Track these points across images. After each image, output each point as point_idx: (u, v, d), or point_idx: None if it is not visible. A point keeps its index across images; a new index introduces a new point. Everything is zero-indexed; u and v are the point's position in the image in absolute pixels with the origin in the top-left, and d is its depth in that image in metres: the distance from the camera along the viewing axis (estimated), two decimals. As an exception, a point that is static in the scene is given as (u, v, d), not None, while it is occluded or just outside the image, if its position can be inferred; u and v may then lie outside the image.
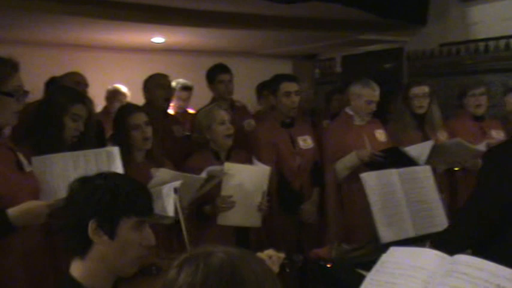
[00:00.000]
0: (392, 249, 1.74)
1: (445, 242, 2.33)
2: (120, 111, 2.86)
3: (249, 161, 3.10)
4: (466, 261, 1.53)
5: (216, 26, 4.77)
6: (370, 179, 2.60)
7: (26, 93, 2.05)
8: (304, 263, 1.98)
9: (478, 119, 3.76)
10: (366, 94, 3.41)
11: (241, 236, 3.03)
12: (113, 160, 2.28)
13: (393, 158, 3.09)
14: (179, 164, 3.03)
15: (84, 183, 1.52)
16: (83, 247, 1.45)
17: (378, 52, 5.87)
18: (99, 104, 4.84)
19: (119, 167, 2.26)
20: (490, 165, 2.11)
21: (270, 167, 3.01)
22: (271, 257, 1.79)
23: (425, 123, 3.62)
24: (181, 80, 4.76)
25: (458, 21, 4.96)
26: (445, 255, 1.59)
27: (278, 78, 3.49)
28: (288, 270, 1.83)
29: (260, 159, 3.21)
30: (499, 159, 2.10)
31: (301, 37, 5.53)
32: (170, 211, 2.34)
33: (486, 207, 2.06)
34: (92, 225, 1.43)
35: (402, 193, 2.67)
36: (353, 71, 6.18)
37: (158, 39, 5.19)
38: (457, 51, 5.00)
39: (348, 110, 3.52)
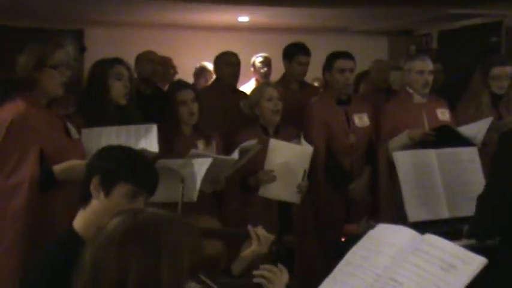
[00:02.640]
0: (379, 226, 1.77)
1: (471, 231, 2.27)
2: (170, 87, 3.09)
3: (298, 137, 3.19)
4: (430, 241, 1.54)
5: (302, 5, 4.83)
6: (402, 158, 2.57)
7: (69, 67, 2.34)
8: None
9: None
10: (415, 66, 3.32)
11: (284, 212, 3.15)
12: (150, 136, 2.49)
13: (446, 137, 2.99)
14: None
15: (104, 148, 1.79)
16: (85, 199, 1.68)
17: (475, 27, 5.50)
18: (188, 81, 5.19)
19: (154, 143, 2.47)
20: (506, 147, 2.01)
21: (312, 148, 3.06)
22: (259, 236, 1.87)
23: (501, 103, 3.41)
24: (262, 54, 4.89)
25: None
26: (417, 234, 1.60)
27: (333, 55, 3.49)
28: (274, 249, 1.91)
29: (311, 136, 3.28)
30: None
31: (396, 12, 5.38)
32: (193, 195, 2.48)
33: (501, 190, 1.98)
34: (94, 180, 1.65)
35: (439, 174, 2.61)
36: (450, 47, 5.88)
37: (243, 18, 5.38)
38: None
39: (408, 88, 3.42)
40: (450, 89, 4.42)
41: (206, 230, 1.95)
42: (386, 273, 1.52)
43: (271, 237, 1.90)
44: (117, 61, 2.71)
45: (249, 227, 1.89)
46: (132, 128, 2.51)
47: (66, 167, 2.19)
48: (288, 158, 3.01)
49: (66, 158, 2.24)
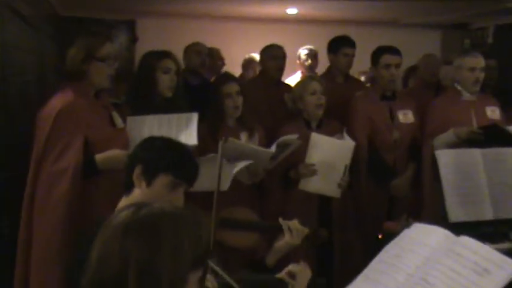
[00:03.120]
0: (415, 225, 1.76)
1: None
2: (216, 79, 3.14)
3: (341, 132, 3.18)
4: (464, 243, 1.53)
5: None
6: (445, 157, 2.52)
7: (117, 60, 2.43)
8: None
9: None
10: (466, 62, 3.24)
11: (324, 206, 3.16)
12: (190, 127, 2.56)
13: (494, 136, 2.91)
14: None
15: (148, 139, 1.86)
16: (128, 187, 1.76)
17: (534, 21, 5.28)
18: (237, 72, 5.25)
19: (193, 135, 2.54)
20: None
21: (355, 142, 3.05)
22: (292, 230, 1.89)
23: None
24: (307, 47, 4.88)
25: None
26: (452, 236, 1.59)
27: (379, 50, 3.45)
28: (310, 242, 1.93)
29: (353, 131, 3.27)
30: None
31: (450, 5, 5.23)
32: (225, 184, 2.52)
33: None
34: (137, 170, 1.73)
35: (484, 174, 2.54)
36: (506, 42, 5.65)
37: (292, 10, 5.37)
38: None
39: (456, 85, 3.34)
40: (505, 86, 4.28)
41: (238, 221, 1.99)
42: (418, 273, 1.52)
43: (305, 230, 1.91)
44: (165, 54, 2.79)
45: (281, 220, 1.91)
46: (174, 116, 2.59)
47: (108, 156, 2.29)
48: (329, 153, 3.01)
49: (109, 147, 2.33)
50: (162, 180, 1.72)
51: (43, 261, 2.26)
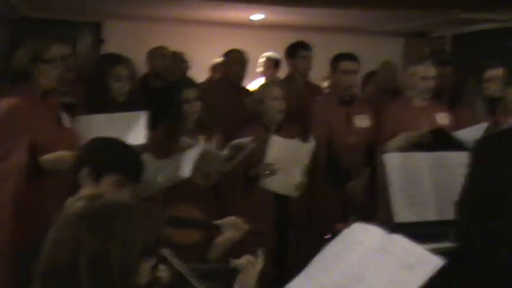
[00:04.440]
0: (354, 225, 1.86)
1: (455, 235, 2.33)
2: (175, 84, 3.21)
3: (300, 136, 3.28)
4: (395, 241, 1.62)
5: (316, 5, 4.90)
6: (392, 160, 2.64)
7: (63, 60, 2.47)
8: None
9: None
10: (418, 71, 3.37)
11: (282, 208, 3.25)
12: (139, 126, 2.61)
13: (442, 140, 3.04)
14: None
15: (93, 139, 1.93)
16: (75, 187, 1.81)
17: (489, 31, 5.49)
18: (202, 76, 5.32)
19: (142, 130, 2.59)
20: (480, 153, 2.07)
21: (313, 143, 3.14)
22: (235, 224, 1.97)
23: (498, 109, 3.44)
24: (267, 53, 5.00)
25: None
26: (385, 234, 1.68)
27: (338, 57, 3.56)
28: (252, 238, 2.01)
29: (312, 132, 3.37)
30: (489, 149, 2.05)
31: (411, 14, 5.40)
32: (185, 172, 2.57)
33: (473, 197, 2.05)
34: (84, 170, 1.79)
35: (429, 177, 2.66)
36: (463, 50, 5.88)
37: (258, 16, 5.47)
38: None
39: (409, 92, 3.48)
40: (461, 92, 4.44)
41: (181, 219, 2.08)
42: (353, 270, 1.62)
43: (245, 225, 2.00)
44: (118, 61, 2.83)
45: (215, 221, 2.00)
46: (122, 115, 2.63)
47: (54, 157, 2.31)
48: (288, 154, 3.10)
49: (57, 147, 2.35)
50: (109, 180, 1.78)
51: None
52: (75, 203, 1.27)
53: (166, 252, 1.47)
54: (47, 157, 2.30)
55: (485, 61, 3.62)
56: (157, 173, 2.51)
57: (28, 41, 2.46)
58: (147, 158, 2.49)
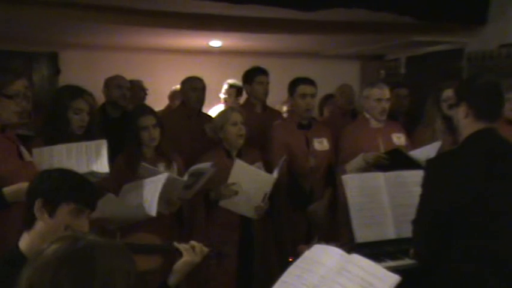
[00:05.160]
0: (315, 246, 1.88)
1: (413, 253, 2.38)
2: (133, 111, 3.20)
3: (260, 160, 3.31)
4: (354, 260, 1.65)
5: (271, 32, 4.98)
6: (351, 181, 2.69)
7: (26, 97, 2.44)
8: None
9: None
10: (373, 93, 3.47)
11: (246, 231, 3.25)
12: (100, 154, 2.59)
13: (398, 160, 3.12)
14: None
15: (44, 172, 1.89)
16: (29, 221, 1.77)
17: (440, 53, 5.71)
18: (163, 103, 5.31)
19: (104, 162, 2.56)
20: (431, 173, 2.14)
21: (276, 176, 3.17)
22: (194, 247, 1.97)
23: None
24: (230, 80, 5.06)
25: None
26: (345, 254, 1.71)
27: (295, 81, 3.64)
28: (214, 261, 2.01)
29: (271, 158, 3.41)
30: (440, 168, 2.12)
31: (366, 38, 5.56)
32: (152, 211, 2.58)
33: (427, 216, 2.11)
34: (37, 203, 1.75)
35: (387, 196, 2.73)
36: (416, 71, 6.08)
37: (215, 42, 5.52)
38: (516, 53, 4.75)
39: (365, 114, 3.57)
40: (417, 112, 4.58)
41: (135, 245, 2.06)
42: (314, 291, 1.63)
43: (204, 249, 1.99)
44: (78, 94, 2.82)
45: (175, 243, 1.99)
46: (82, 145, 2.60)
47: (16, 188, 2.28)
48: (251, 180, 3.13)
49: (17, 180, 2.31)
50: (65, 209, 1.76)
51: None
52: (52, 245, 1.22)
53: None
54: (10, 188, 2.26)
55: (443, 82, 3.75)
56: (121, 211, 2.48)
57: None
58: (109, 197, 2.47)
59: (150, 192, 2.61)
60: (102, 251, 1.20)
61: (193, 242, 1.99)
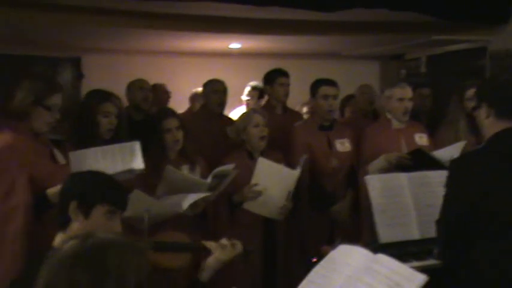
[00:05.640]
0: (340, 247, 1.89)
1: (438, 253, 2.38)
2: (157, 114, 3.25)
3: (282, 161, 3.33)
4: (380, 261, 1.65)
5: (291, 33, 5.00)
6: (374, 182, 2.69)
7: (57, 112, 2.50)
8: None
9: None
10: (395, 93, 3.46)
11: (269, 231, 3.27)
12: (134, 154, 2.64)
13: (421, 160, 3.11)
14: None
15: (76, 174, 1.95)
16: (64, 222, 1.84)
17: (462, 51, 5.66)
18: (183, 106, 5.36)
19: (139, 160, 2.62)
20: (455, 174, 2.13)
21: (300, 171, 3.18)
22: (224, 246, 2.01)
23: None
24: (252, 82, 5.09)
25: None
26: (370, 254, 1.72)
27: (317, 82, 3.64)
28: (243, 259, 2.05)
29: (293, 159, 3.42)
30: (464, 169, 2.12)
31: (386, 38, 5.54)
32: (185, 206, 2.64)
33: (451, 216, 2.10)
34: (72, 205, 1.81)
35: (410, 197, 2.72)
36: (437, 70, 6.04)
37: (235, 45, 5.56)
38: (540, 50, 4.69)
39: (387, 114, 3.56)
40: (439, 112, 4.55)
41: (164, 244, 2.10)
42: (341, 291, 1.64)
43: (239, 245, 2.02)
44: (106, 98, 2.88)
45: (204, 242, 2.03)
46: (116, 147, 2.65)
47: (58, 190, 2.33)
48: (274, 178, 3.15)
49: (53, 183, 2.36)
50: (99, 211, 1.82)
51: None
52: (66, 243, 1.28)
53: None
54: (53, 189, 2.30)
55: (466, 81, 3.72)
56: (150, 208, 2.53)
57: (30, 81, 2.49)
58: (137, 194, 2.52)
59: (189, 197, 2.67)
60: (112, 248, 1.25)
61: (222, 240, 2.02)
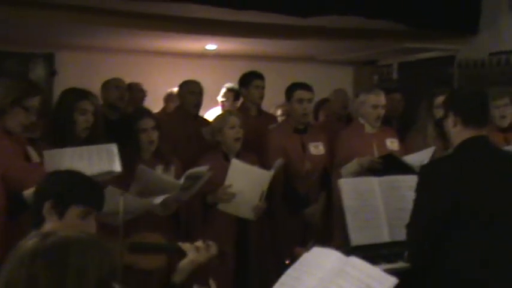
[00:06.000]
0: (313, 249, 1.93)
1: (407, 256, 2.45)
2: (132, 114, 3.25)
3: (257, 164, 3.36)
4: (352, 263, 1.70)
5: (266, 37, 5.05)
6: (346, 185, 2.75)
7: (36, 113, 2.48)
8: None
9: (503, 130, 3.69)
10: (369, 99, 3.54)
11: (242, 231, 3.31)
12: (111, 156, 2.64)
13: (391, 164, 3.19)
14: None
15: (53, 174, 1.93)
16: (38, 222, 1.82)
17: (432, 59, 5.81)
18: (159, 105, 5.34)
19: (116, 163, 2.61)
20: (425, 179, 2.21)
21: (272, 171, 3.23)
22: (199, 248, 2.03)
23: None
24: (228, 84, 5.11)
25: (509, 30, 4.81)
26: (343, 257, 1.76)
27: (293, 86, 3.70)
28: (217, 260, 2.07)
29: (268, 161, 3.46)
30: (434, 174, 2.19)
31: (359, 44, 5.64)
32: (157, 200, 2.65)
33: (422, 220, 2.18)
34: (47, 205, 1.81)
35: (381, 200, 2.79)
36: (408, 77, 6.18)
37: (211, 46, 5.58)
38: (506, 61, 4.85)
39: (360, 119, 3.64)
40: (409, 117, 4.66)
41: (140, 245, 2.11)
42: (313, 293, 1.68)
43: (211, 248, 2.04)
44: (83, 95, 2.86)
45: (180, 243, 2.04)
46: (93, 148, 2.65)
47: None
48: (247, 178, 3.20)
49: (26, 182, 2.34)
50: (74, 211, 1.82)
51: None
52: (26, 241, 1.27)
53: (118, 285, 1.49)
54: (29, 191, 2.26)
55: (435, 88, 3.81)
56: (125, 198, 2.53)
57: (10, 81, 2.49)
58: (111, 190, 2.51)
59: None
60: (74, 244, 1.26)
61: (197, 243, 2.04)
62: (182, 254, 2.01)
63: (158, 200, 2.73)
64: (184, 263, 2.02)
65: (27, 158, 2.54)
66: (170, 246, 2.18)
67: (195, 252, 2.01)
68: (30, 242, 1.25)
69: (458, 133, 2.29)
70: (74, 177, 1.93)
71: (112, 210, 2.41)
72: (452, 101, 2.38)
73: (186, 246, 2.02)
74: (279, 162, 3.27)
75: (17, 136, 2.56)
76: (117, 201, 2.46)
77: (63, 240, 1.26)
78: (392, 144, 3.60)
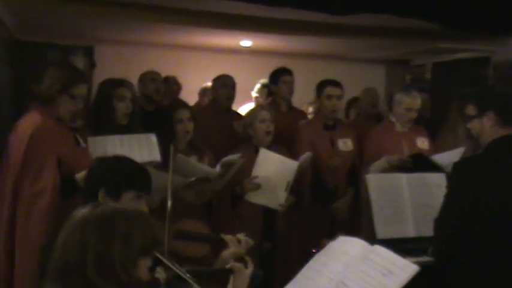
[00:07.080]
0: (340, 238, 2.01)
1: (432, 251, 2.50)
2: (170, 104, 3.36)
3: (286, 156, 3.44)
4: (376, 251, 1.77)
5: (300, 34, 5.12)
6: (374, 180, 2.81)
7: (81, 102, 2.61)
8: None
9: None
10: (405, 102, 3.56)
11: (269, 222, 3.39)
12: (151, 145, 2.76)
13: (421, 164, 3.22)
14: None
15: (102, 160, 2.06)
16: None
17: (466, 60, 5.77)
18: (193, 100, 5.46)
19: (156, 152, 2.73)
20: (458, 175, 2.25)
21: (299, 162, 3.29)
22: (240, 240, 2.10)
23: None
24: (263, 80, 5.20)
25: (546, 31, 4.76)
26: (367, 244, 1.83)
27: (323, 83, 3.76)
28: (255, 253, 2.14)
29: (297, 156, 3.53)
30: (466, 171, 2.23)
31: (392, 43, 5.65)
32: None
33: (451, 215, 2.22)
34: (101, 193, 1.94)
35: (408, 196, 2.84)
36: (442, 78, 6.15)
37: (246, 42, 5.68)
38: (542, 62, 4.80)
39: (391, 117, 3.68)
40: (439, 117, 4.65)
41: (185, 232, 2.19)
42: (338, 277, 1.76)
43: (250, 241, 2.11)
44: (120, 83, 2.99)
45: (223, 235, 2.12)
46: (133, 137, 2.78)
47: (85, 175, 2.43)
48: (275, 167, 3.26)
49: (79, 165, 2.46)
50: (127, 196, 1.94)
51: (27, 278, 2.37)
52: (80, 210, 1.45)
53: (164, 256, 1.62)
54: (82, 174, 2.37)
55: (468, 88, 3.81)
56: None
57: (58, 69, 2.61)
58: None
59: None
60: (120, 213, 1.43)
61: (239, 235, 2.10)
62: (224, 244, 2.07)
63: (217, 169, 2.83)
64: (225, 254, 2.09)
65: (78, 143, 2.66)
66: (213, 237, 2.23)
67: (237, 244, 2.07)
68: (83, 210, 1.42)
69: (493, 132, 2.30)
70: (122, 163, 2.03)
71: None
72: (492, 99, 2.38)
73: (228, 238, 2.08)
74: (307, 154, 3.34)
75: (67, 123, 2.68)
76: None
77: (111, 209, 1.43)
78: (422, 143, 3.62)
